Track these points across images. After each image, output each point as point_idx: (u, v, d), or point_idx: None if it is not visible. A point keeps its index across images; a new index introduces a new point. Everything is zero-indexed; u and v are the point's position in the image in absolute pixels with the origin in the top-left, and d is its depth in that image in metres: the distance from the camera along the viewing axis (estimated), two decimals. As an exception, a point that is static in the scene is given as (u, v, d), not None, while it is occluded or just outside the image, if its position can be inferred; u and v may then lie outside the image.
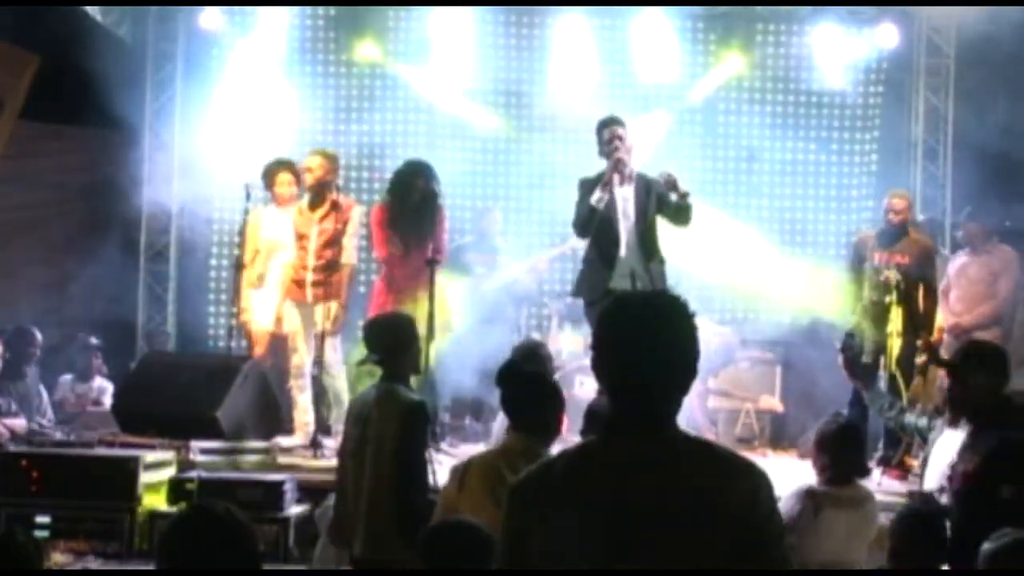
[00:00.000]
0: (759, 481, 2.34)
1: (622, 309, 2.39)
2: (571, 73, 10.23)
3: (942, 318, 8.09)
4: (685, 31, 10.36)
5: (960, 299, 8.22)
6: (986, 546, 2.93)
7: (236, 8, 10.22)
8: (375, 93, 10.37)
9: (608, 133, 7.12)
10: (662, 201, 7.03)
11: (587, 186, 7.04)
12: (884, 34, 10.20)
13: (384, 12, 10.36)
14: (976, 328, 8.05)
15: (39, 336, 8.29)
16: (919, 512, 4.08)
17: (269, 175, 8.07)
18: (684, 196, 6.96)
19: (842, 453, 4.76)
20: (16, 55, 9.01)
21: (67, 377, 8.92)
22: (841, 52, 10.21)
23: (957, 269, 8.33)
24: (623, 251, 6.93)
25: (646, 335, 2.32)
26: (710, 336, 8.01)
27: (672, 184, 6.96)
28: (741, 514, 2.28)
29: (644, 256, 6.98)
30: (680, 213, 6.99)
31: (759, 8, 10.30)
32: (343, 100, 10.38)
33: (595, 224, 6.90)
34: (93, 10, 9.53)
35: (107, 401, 8.46)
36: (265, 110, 9.91)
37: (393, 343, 5.00)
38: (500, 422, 6.76)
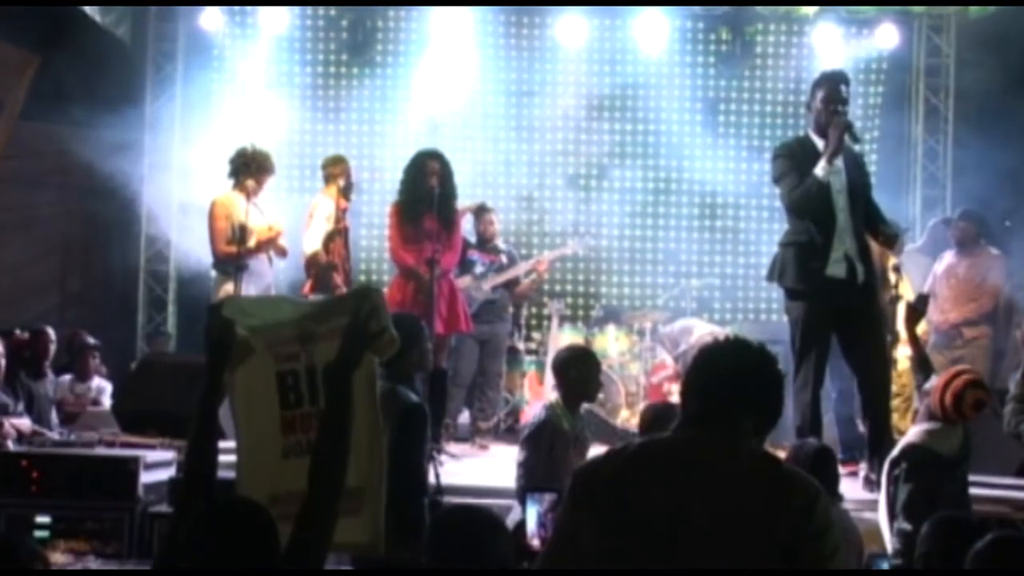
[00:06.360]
0: (815, 499, 2.42)
1: (722, 346, 2.65)
2: (571, 73, 10.25)
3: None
4: (685, 31, 10.38)
5: (948, 298, 8.35)
6: (976, 546, 2.95)
7: (236, 8, 10.23)
8: (375, 93, 10.38)
9: (826, 91, 6.01)
10: (868, 186, 6.23)
11: (792, 155, 6.06)
12: (884, 34, 10.21)
13: (385, 12, 10.38)
14: (964, 324, 8.26)
15: (52, 334, 8.24)
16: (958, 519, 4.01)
17: (268, 162, 7.58)
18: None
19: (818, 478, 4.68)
20: (16, 55, 9.02)
21: (67, 377, 8.90)
22: (841, 52, 10.22)
23: (945, 268, 8.41)
24: (839, 233, 5.98)
25: (728, 362, 2.58)
26: (707, 337, 7.98)
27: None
28: (792, 529, 2.36)
29: (860, 240, 6.07)
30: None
31: (759, 8, 10.30)
32: (343, 100, 10.39)
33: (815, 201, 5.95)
34: (92, 10, 9.52)
35: (107, 401, 8.45)
36: (265, 110, 9.89)
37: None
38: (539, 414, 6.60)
